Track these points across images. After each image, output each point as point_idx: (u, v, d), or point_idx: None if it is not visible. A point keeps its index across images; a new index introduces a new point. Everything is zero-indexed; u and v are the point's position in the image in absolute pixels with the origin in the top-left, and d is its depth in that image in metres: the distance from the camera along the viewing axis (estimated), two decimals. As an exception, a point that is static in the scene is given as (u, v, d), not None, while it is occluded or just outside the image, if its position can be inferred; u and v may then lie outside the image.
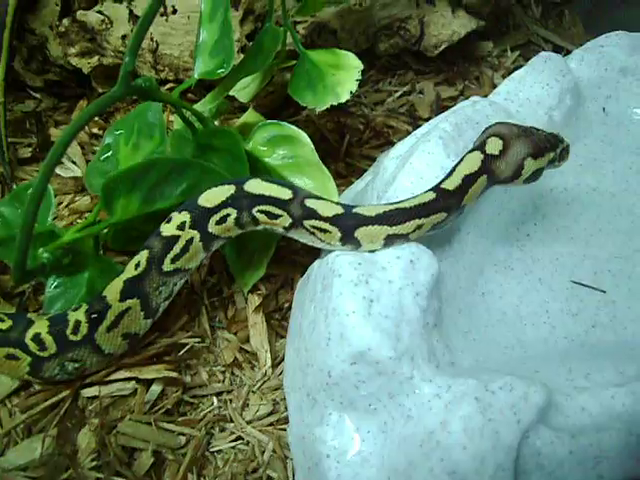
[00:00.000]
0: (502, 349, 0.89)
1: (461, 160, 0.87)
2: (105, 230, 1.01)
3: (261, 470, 0.93)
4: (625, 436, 0.76)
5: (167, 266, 0.93)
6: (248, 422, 0.96)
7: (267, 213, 0.89)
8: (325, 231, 0.85)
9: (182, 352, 1.01)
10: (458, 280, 0.91)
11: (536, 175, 0.90)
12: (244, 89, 1.16)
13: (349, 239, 0.84)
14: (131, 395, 0.96)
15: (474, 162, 0.86)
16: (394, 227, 0.82)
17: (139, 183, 0.94)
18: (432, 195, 0.84)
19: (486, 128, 0.92)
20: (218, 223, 0.91)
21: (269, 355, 1.00)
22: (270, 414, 0.97)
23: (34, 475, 0.91)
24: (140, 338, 0.97)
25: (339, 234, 0.84)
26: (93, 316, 0.91)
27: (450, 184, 0.84)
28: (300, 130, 1.04)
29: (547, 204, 1.06)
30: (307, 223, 0.87)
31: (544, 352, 0.92)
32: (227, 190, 0.90)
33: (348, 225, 0.83)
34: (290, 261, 1.04)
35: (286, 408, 0.94)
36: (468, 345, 0.85)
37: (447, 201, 0.84)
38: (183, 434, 0.95)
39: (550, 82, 1.08)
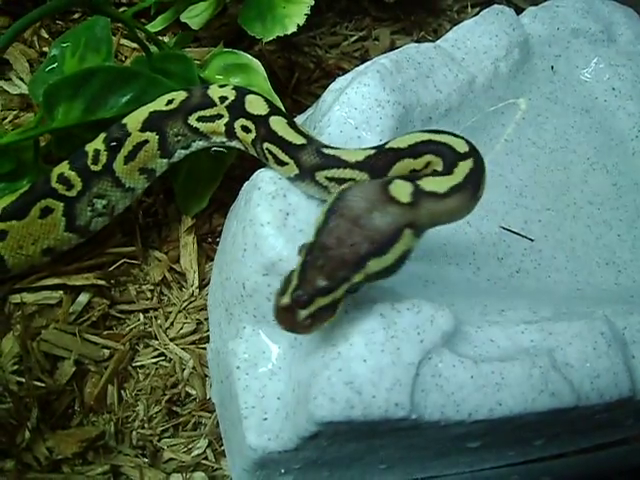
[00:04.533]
0: (422, 282, 0.91)
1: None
2: (44, 143, 1.01)
3: (180, 386, 0.96)
4: (529, 368, 0.78)
5: (193, 121, 0.91)
6: (172, 339, 0.98)
7: (275, 158, 0.84)
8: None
9: (113, 268, 1.02)
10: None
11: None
12: (196, 16, 1.16)
13: None
14: (57, 305, 0.97)
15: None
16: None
17: (82, 90, 0.94)
18: None
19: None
20: (243, 128, 0.89)
21: (197, 276, 1.02)
22: (193, 333, 0.99)
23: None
24: (157, 178, 0.97)
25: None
26: (112, 144, 0.91)
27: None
28: (254, 59, 1.05)
29: (485, 152, 1.07)
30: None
31: (465, 290, 0.94)
32: (263, 107, 0.88)
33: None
34: (227, 187, 1.05)
35: (209, 328, 0.96)
36: (387, 273, 0.87)
37: None
38: (107, 347, 0.97)
39: (499, 34, 1.10)
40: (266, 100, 0.90)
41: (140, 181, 0.95)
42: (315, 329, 0.66)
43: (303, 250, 0.67)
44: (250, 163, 1.04)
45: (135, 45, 1.25)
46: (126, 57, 1.25)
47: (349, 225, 0.65)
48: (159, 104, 0.92)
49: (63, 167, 0.93)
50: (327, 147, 0.81)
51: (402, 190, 0.69)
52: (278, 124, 0.85)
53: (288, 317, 0.64)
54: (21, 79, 1.23)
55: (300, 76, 1.26)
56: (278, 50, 1.28)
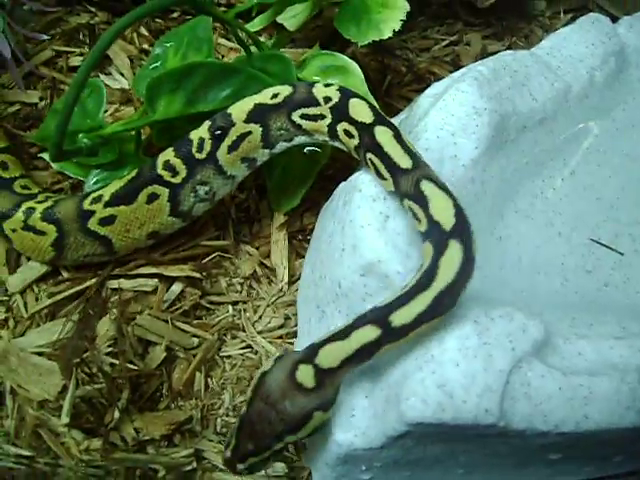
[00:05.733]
0: (511, 290, 0.91)
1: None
2: (144, 136, 1.06)
3: (265, 378, 0.98)
4: (617, 383, 0.78)
5: (296, 117, 0.93)
6: (259, 332, 1.01)
7: (376, 170, 0.84)
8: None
9: (206, 260, 1.06)
10: (477, 219, 0.92)
11: None
12: (293, 17, 1.18)
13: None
14: (152, 292, 1.02)
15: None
16: None
17: (183, 84, 0.98)
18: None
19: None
20: (345, 133, 0.90)
21: (287, 272, 1.04)
22: (281, 327, 1.02)
23: (52, 355, 0.97)
24: (258, 166, 1.00)
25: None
26: (217, 132, 0.95)
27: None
28: (352, 61, 1.06)
29: (577, 162, 1.07)
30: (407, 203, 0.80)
31: (553, 301, 0.94)
32: (367, 115, 0.88)
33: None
34: (320, 186, 1.07)
35: (297, 324, 0.99)
36: (478, 280, 0.87)
37: None
38: (197, 336, 1.01)
39: (595, 42, 1.08)
40: (370, 106, 0.90)
41: (241, 169, 0.98)
42: (254, 474, 0.83)
43: (239, 417, 0.78)
44: (342, 164, 1.07)
45: (232, 45, 1.29)
46: (223, 56, 1.28)
47: (267, 407, 0.75)
48: (264, 97, 0.94)
49: (168, 154, 0.96)
50: (428, 180, 0.79)
51: (306, 375, 0.74)
52: (384, 136, 0.85)
53: (231, 466, 0.78)
54: (121, 74, 1.29)
55: (392, 79, 1.27)
56: (370, 53, 1.29)
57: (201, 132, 0.95)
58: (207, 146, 0.95)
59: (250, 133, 0.94)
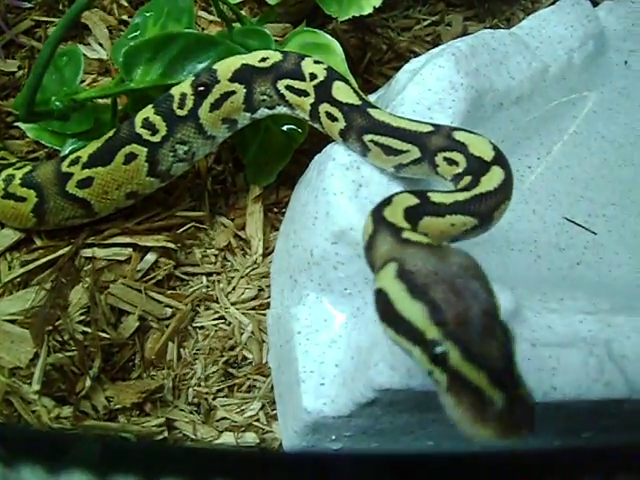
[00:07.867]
0: (483, 264, 0.92)
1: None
2: (120, 107, 1.05)
3: (238, 349, 0.98)
4: (585, 356, 0.79)
5: (281, 87, 0.92)
6: (232, 304, 1.01)
7: (385, 148, 0.83)
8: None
9: (181, 231, 1.05)
10: (451, 194, 0.93)
11: None
12: (274, -9, 1.17)
13: None
14: (126, 261, 1.01)
15: None
16: None
17: (161, 54, 0.97)
18: None
19: None
20: (327, 115, 0.88)
21: (261, 244, 1.04)
22: (254, 299, 1.01)
23: (24, 323, 0.96)
24: (239, 130, 0.99)
25: None
26: (200, 89, 0.93)
27: None
28: (334, 39, 1.05)
29: (554, 142, 1.08)
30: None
31: (525, 276, 0.95)
32: (353, 98, 0.87)
33: None
34: (295, 160, 1.07)
35: (270, 295, 0.99)
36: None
37: None
38: (170, 306, 1.00)
39: (575, 24, 1.09)
40: (354, 91, 0.89)
41: (222, 130, 0.97)
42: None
43: (443, 352, 0.54)
44: (319, 138, 1.06)
45: (212, 17, 1.27)
46: (203, 29, 1.27)
47: (448, 285, 0.57)
48: (253, 58, 0.93)
49: (147, 112, 0.95)
50: (460, 130, 0.81)
51: (429, 228, 0.69)
52: (384, 116, 0.84)
53: (517, 416, 0.50)
54: (100, 44, 1.27)
55: (372, 57, 1.27)
56: (351, 30, 1.29)
57: (184, 87, 0.94)
58: (189, 102, 0.93)
59: (234, 93, 0.93)
